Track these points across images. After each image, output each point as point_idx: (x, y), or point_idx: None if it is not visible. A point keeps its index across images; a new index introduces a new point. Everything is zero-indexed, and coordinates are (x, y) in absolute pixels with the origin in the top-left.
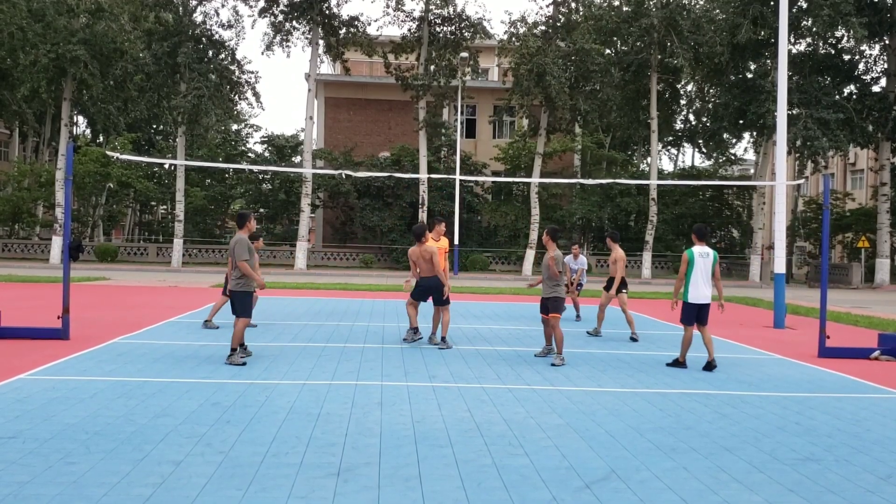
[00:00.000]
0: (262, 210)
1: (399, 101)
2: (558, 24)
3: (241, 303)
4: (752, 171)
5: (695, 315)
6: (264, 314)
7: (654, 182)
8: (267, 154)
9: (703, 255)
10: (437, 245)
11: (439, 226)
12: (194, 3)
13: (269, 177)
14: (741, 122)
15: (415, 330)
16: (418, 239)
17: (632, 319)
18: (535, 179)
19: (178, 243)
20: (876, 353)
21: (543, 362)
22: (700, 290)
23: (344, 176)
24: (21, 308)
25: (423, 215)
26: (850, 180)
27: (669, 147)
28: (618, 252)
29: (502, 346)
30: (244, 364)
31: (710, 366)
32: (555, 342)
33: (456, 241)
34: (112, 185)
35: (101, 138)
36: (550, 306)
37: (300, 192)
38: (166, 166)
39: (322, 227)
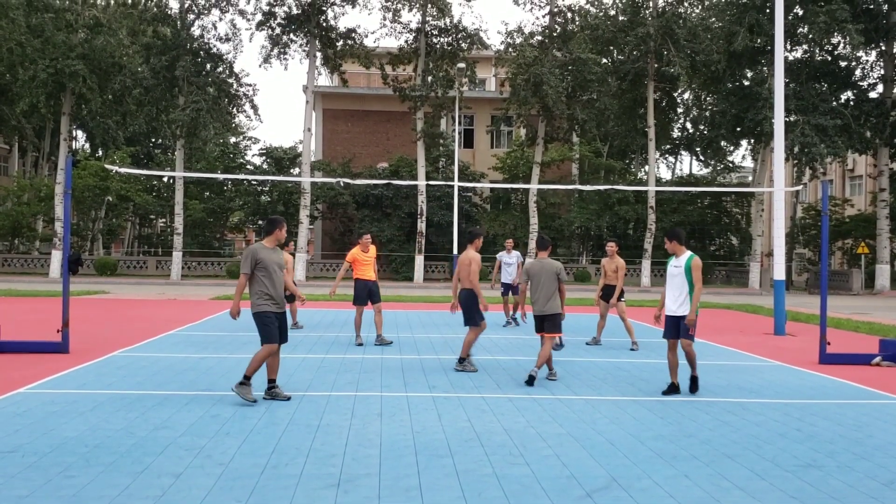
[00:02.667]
0: (260, 222)
1: (397, 112)
2: (555, 34)
3: (258, 326)
4: (750, 178)
5: None
6: None
7: (652, 189)
8: (265, 166)
9: None
10: (368, 256)
11: (365, 238)
12: (192, 17)
13: (267, 189)
14: (738, 129)
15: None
16: (471, 241)
17: (631, 328)
18: (534, 186)
19: (177, 256)
20: (877, 359)
21: (542, 371)
22: None
23: (342, 184)
24: (21, 322)
25: (421, 225)
26: (848, 186)
27: (667, 155)
28: (619, 260)
29: (502, 356)
30: (254, 402)
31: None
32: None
33: (455, 251)
34: (111, 199)
35: (100, 152)
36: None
37: (299, 203)
38: (165, 179)
39: (321, 238)
